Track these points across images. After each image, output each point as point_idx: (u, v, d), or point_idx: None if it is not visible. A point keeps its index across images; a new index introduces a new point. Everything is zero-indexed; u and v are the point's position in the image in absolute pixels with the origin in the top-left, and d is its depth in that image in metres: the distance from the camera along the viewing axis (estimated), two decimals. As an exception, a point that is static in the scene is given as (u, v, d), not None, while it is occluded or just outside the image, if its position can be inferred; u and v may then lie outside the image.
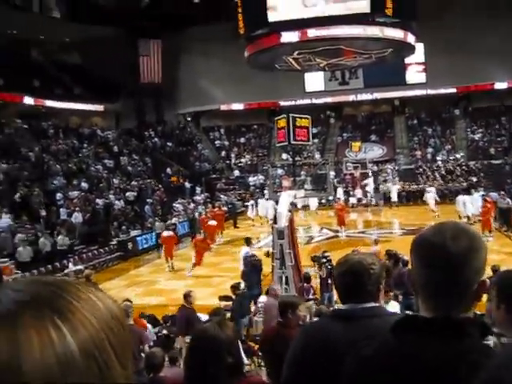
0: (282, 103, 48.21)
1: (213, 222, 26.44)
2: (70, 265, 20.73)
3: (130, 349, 0.82)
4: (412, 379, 1.53)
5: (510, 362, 0.75)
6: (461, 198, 27.97)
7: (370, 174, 39.65)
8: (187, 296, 11.50)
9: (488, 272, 8.59)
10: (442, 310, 1.60)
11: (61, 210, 25.88)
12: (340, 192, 35.65)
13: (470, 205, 26.98)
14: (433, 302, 1.64)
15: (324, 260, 14.23)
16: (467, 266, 1.58)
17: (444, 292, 1.60)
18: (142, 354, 8.23)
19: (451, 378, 1.47)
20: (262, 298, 13.26)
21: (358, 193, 38.72)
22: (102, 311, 0.78)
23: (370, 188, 37.92)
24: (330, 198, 30.10)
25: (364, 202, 38.21)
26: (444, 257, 1.58)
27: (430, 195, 32.07)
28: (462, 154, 43.50)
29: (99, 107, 43.42)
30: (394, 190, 36.79)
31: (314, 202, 33.84)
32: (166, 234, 22.66)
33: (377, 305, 2.61)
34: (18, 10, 34.54)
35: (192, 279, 19.89)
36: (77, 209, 26.00)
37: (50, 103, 38.32)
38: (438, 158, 43.36)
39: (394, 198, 36.22)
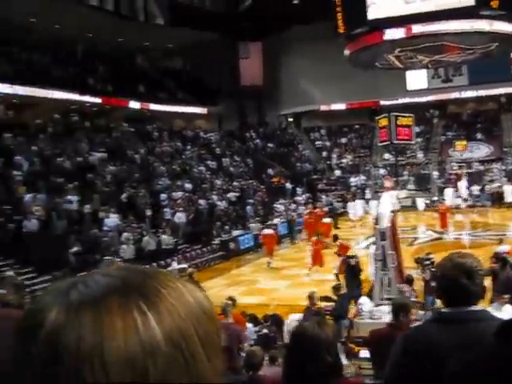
0: (383, 102, 47.43)
1: (327, 220, 26.45)
2: (174, 263, 21.23)
3: (220, 346, 0.81)
4: None
5: None
6: None
7: (464, 173, 38.38)
8: (310, 297, 11.56)
9: None
10: None
11: (165, 210, 26.59)
12: (448, 193, 34.52)
13: None
14: None
15: (427, 262, 13.90)
16: None
17: None
18: (242, 353, 8.32)
19: None
20: (363, 300, 13.11)
21: (464, 193, 37.59)
22: (191, 304, 0.76)
23: (463, 189, 36.64)
24: (435, 198, 29.40)
25: (469, 202, 37.07)
26: None
27: None
28: None
29: (203, 110, 44.16)
30: (509, 190, 35.12)
31: (421, 203, 32.99)
32: (266, 232, 22.82)
33: (481, 308, 2.52)
34: (125, 20, 35.80)
35: (292, 279, 19.94)
36: (180, 209, 26.63)
37: (154, 107, 39.36)
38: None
39: (509, 198, 34.62)
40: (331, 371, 2.74)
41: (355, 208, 32.75)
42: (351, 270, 14.71)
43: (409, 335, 2.69)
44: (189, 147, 38.09)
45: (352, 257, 15.13)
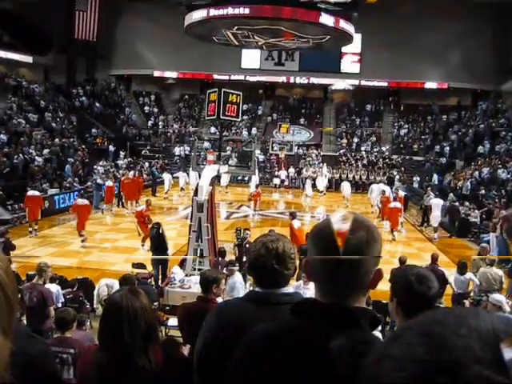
0: (217, 76, 48.07)
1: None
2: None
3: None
4: (298, 361, 1.55)
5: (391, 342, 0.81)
6: (375, 187, 28.54)
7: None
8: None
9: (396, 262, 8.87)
10: (336, 298, 1.65)
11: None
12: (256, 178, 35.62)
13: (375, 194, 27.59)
14: (329, 289, 1.68)
15: (240, 238, 14.33)
16: (365, 255, 1.63)
17: (339, 281, 1.65)
18: (49, 316, 8.15)
19: (336, 363, 1.51)
20: (175, 269, 13.30)
21: (282, 174, 39.12)
22: None
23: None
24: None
25: (286, 183, 38.72)
26: (344, 248, 1.61)
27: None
28: (386, 147, 44.54)
29: (27, 59, 41.62)
30: (321, 180, 36.33)
31: (225, 178, 33.19)
32: (80, 202, 21.22)
33: (294, 291, 2.62)
34: None
35: (106, 243, 19.66)
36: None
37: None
38: (362, 149, 44.23)
39: (321, 187, 35.77)
40: (147, 338, 2.76)
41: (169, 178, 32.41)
42: (157, 237, 14.64)
43: (222, 310, 2.73)
44: (9, 96, 35.90)
45: (157, 224, 14.99)
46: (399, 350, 0.76)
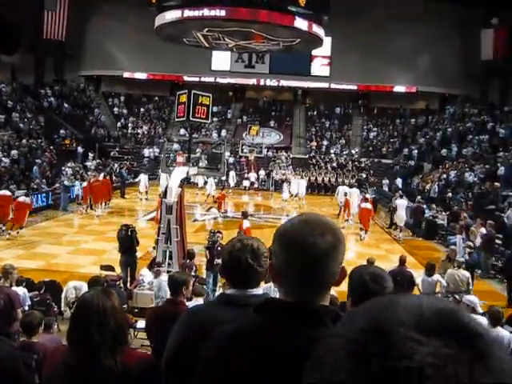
0: (187, 78, 47.95)
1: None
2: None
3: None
4: (263, 360, 1.58)
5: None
6: (341, 188, 28.80)
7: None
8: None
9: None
10: (300, 296, 1.67)
11: None
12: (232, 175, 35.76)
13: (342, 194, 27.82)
14: (294, 290, 1.71)
15: (212, 240, 14.28)
16: (331, 259, 1.66)
17: (305, 282, 1.67)
18: (16, 319, 8.04)
19: (300, 363, 1.53)
20: (144, 271, 13.24)
21: (252, 176, 39.14)
22: None
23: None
24: (223, 178, 30.20)
25: (256, 186, 38.71)
26: (313, 252, 1.63)
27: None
28: (356, 150, 44.90)
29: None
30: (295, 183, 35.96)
31: (201, 180, 33.84)
32: (22, 199, 21.25)
33: (263, 292, 2.63)
34: None
35: (74, 246, 19.46)
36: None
37: None
38: (331, 151, 44.51)
39: (294, 190, 34.61)
40: (116, 338, 2.75)
41: (145, 180, 32.22)
42: (126, 239, 14.45)
43: (193, 313, 2.73)
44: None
45: (126, 226, 14.83)
46: (345, 328, 0.86)
